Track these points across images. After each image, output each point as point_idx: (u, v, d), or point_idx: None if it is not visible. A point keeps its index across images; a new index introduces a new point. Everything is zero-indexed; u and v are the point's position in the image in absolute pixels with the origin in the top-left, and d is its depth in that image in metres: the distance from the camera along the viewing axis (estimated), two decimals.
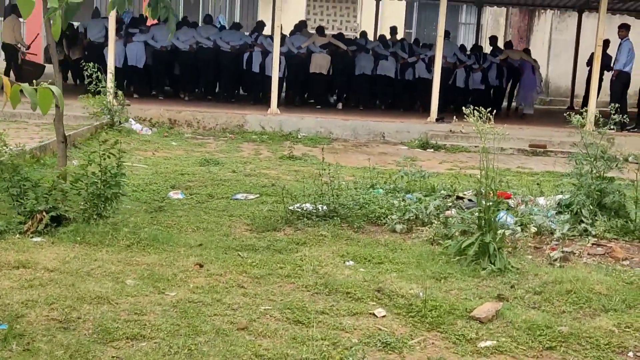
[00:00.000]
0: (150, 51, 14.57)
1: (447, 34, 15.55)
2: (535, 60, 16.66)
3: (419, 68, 15.32)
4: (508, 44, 17.39)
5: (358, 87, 15.62)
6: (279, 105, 13.30)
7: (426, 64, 15.16)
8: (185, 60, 14.77)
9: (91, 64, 11.00)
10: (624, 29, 14.12)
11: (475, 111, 5.56)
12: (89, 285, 4.47)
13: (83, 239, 5.33)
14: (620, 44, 14.05)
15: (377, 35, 17.49)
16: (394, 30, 16.77)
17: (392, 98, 15.88)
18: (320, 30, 15.71)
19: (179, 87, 15.64)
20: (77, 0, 5.59)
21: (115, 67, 12.78)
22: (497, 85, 16.08)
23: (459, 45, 17.03)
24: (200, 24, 16.15)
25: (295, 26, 16.01)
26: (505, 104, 17.05)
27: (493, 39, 17.15)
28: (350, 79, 15.49)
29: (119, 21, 14.24)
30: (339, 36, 16.24)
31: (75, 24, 15.96)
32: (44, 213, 5.46)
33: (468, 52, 16.28)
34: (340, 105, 15.51)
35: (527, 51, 17.17)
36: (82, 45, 15.52)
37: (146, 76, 14.99)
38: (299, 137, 12.45)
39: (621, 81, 14.02)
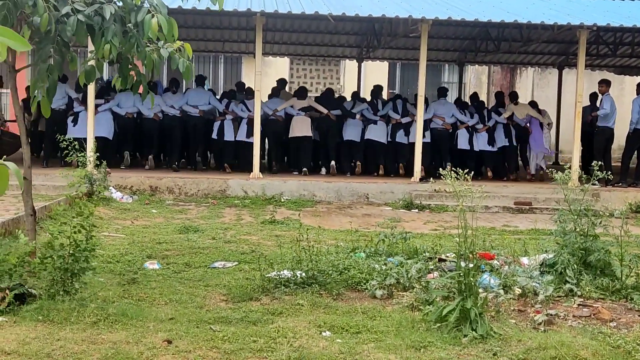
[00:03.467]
0: (117, 119, 13.85)
1: (443, 93, 14.87)
2: (544, 114, 15.38)
3: (413, 130, 13.85)
4: (499, 94, 15.98)
5: (346, 154, 14.38)
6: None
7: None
8: (150, 127, 13.96)
9: (60, 137, 10.78)
10: (604, 84, 14.17)
11: (452, 171, 5.47)
12: None
13: (47, 317, 5.09)
14: (601, 100, 14.10)
15: (365, 93, 16.49)
16: (378, 89, 15.26)
17: (384, 163, 14.35)
18: (300, 93, 14.51)
19: (143, 154, 14.60)
20: (55, 78, 5.59)
21: (82, 139, 12.05)
22: (507, 145, 14.49)
23: (458, 101, 15.93)
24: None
25: (273, 89, 15.20)
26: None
27: (500, 95, 15.92)
28: (338, 146, 14.38)
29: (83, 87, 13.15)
30: (328, 92, 15.48)
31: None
32: (7, 291, 5.24)
33: (468, 110, 14.76)
34: (332, 170, 14.09)
35: (533, 104, 15.65)
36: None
37: (115, 145, 14.14)
38: (282, 200, 12.31)
39: (604, 136, 14.02)
